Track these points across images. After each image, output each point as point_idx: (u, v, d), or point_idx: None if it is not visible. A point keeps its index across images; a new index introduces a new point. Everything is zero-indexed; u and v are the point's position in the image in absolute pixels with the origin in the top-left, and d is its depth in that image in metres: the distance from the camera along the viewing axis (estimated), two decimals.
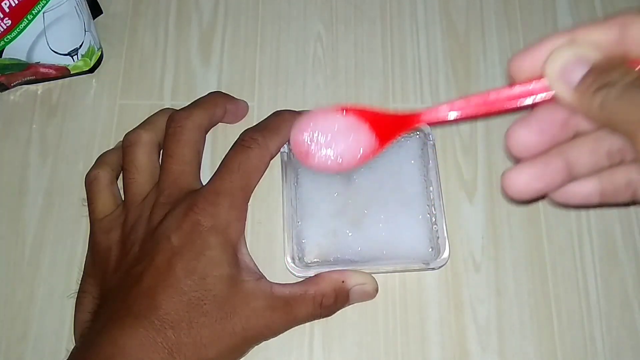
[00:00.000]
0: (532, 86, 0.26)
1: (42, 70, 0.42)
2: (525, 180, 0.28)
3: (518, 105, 0.27)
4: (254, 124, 0.39)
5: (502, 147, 0.41)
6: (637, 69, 0.25)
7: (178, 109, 0.39)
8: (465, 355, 0.37)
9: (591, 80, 0.25)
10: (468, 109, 0.28)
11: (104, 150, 0.41)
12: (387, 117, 0.28)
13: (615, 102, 0.24)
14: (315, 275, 0.36)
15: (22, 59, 0.40)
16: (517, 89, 0.26)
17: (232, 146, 0.37)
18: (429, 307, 0.38)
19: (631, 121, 0.23)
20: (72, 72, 0.43)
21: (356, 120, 0.27)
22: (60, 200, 0.41)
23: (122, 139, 0.39)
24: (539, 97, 0.26)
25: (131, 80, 0.44)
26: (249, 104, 0.43)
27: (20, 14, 0.37)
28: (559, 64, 0.26)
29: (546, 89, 0.26)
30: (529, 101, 0.26)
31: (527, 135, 0.28)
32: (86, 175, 0.39)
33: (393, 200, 0.38)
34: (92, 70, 0.44)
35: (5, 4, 0.36)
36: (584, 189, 0.30)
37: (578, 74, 0.25)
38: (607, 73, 0.25)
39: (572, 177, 0.29)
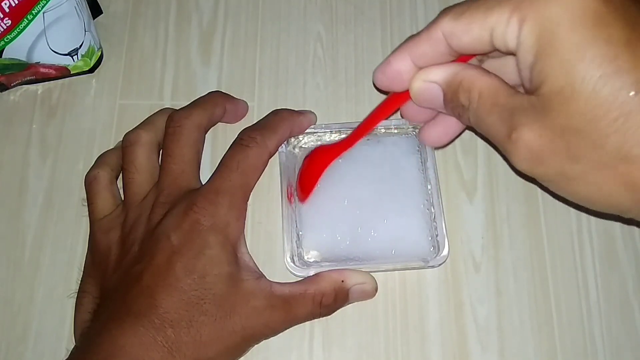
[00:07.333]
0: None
1: (42, 70, 0.42)
2: (436, 136, 0.35)
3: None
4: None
5: None
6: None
7: (178, 108, 0.39)
8: (465, 355, 0.37)
9: (450, 105, 0.30)
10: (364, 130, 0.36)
11: (104, 150, 0.41)
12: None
13: (478, 123, 0.29)
14: (314, 274, 0.36)
15: (22, 59, 0.40)
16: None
17: (231, 145, 0.37)
18: (429, 307, 0.38)
19: (496, 139, 0.28)
20: (72, 72, 0.43)
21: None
22: (60, 200, 0.41)
23: (122, 139, 0.39)
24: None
25: (131, 80, 0.44)
26: (249, 104, 0.43)
27: (20, 14, 0.37)
28: (419, 95, 0.31)
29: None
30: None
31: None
32: (86, 175, 0.39)
33: (391, 198, 0.38)
34: (92, 70, 0.44)
35: (5, 4, 0.36)
36: None
37: (438, 97, 0.30)
38: (456, 98, 0.29)
39: None
